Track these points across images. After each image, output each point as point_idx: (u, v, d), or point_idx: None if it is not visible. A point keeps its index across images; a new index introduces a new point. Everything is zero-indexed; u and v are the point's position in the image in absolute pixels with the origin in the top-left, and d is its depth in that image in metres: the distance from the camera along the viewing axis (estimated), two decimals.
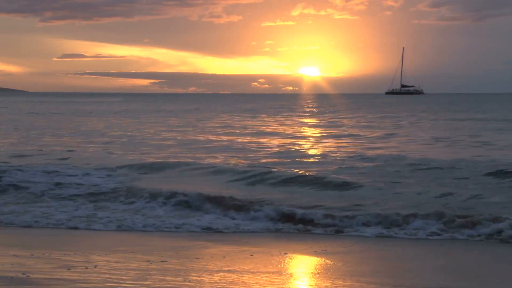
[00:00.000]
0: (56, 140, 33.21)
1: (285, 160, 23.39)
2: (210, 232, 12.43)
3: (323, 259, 9.67)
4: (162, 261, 9.29)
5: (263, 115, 67.45)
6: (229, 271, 8.68)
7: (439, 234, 11.67)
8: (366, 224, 12.50)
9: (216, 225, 12.90)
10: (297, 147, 29.11)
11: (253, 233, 12.21)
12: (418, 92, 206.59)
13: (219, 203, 14.60)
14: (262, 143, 31.47)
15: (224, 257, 9.82)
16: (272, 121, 54.52)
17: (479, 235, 11.51)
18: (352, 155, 24.97)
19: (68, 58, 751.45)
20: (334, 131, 40.17)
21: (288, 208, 13.80)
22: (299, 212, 13.42)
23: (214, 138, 34.37)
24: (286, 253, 10.21)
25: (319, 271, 8.90)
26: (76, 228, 12.69)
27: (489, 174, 18.35)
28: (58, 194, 16.53)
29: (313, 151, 27.58)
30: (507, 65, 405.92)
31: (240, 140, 32.91)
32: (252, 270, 8.78)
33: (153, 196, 15.57)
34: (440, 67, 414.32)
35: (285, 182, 18.05)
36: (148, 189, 16.31)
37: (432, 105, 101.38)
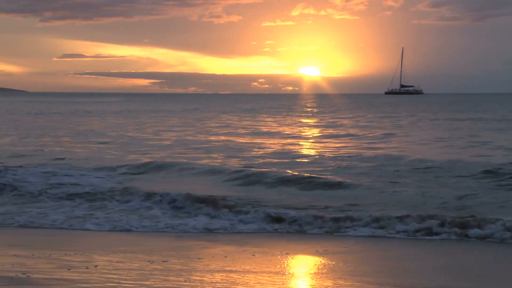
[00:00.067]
0: (54, 140, 33.20)
1: (284, 161, 23.33)
2: (209, 232, 12.39)
3: (324, 259, 9.67)
4: (163, 261, 9.28)
5: (263, 115, 67.44)
6: (230, 271, 8.67)
7: (429, 235, 11.61)
8: (357, 226, 12.35)
9: (213, 225, 12.86)
10: (295, 147, 29.09)
11: (254, 233, 12.19)
12: (418, 92, 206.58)
13: (215, 204, 14.49)
14: (260, 143, 31.44)
15: (226, 257, 9.82)
16: (271, 121, 54.51)
17: (467, 236, 11.43)
18: (350, 155, 24.92)
19: (68, 58, 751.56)
20: (333, 131, 40.15)
21: (275, 210, 13.63)
22: (290, 214, 13.29)
23: (212, 138, 34.33)
24: (287, 253, 10.21)
25: (320, 271, 8.90)
26: (71, 228, 12.61)
27: (487, 174, 18.26)
28: (55, 194, 16.43)
29: (311, 151, 27.58)
30: (507, 65, 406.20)
31: (238, 140, 32.88)
32: (253, 270, 8.78)
33: (149, 196, 15.49)
34: (440, 67, 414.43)
35: (281, 183, 17.98)
36: (144, 190, 16.25)
37: (432, 105, 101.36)
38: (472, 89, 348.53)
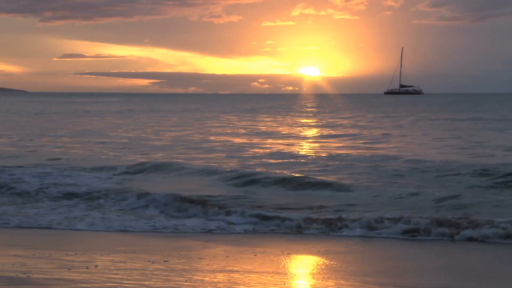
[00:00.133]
0: (52, 140, 33.17)
1: (281, 161, 23.31)
2: (208, 232, 12.36)
3: (326, 259, 9.67)
4: (164, 261, 9.26)
5: (263, 115, 67.46)
6: (232, 271, 8.67)
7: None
8: (347, 226, 12.28)
9: (209, 226, 12.81)
10: (294, 148, 29.06)
11: (254, 234, 12.18)
12: (417, 92, 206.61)
13: (205, 204, 14.38)
14: (259, 143, 31.40)
15: (227, 257, 9.81)
16: (271, 121, 54.52)
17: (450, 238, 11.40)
18: (348, 155, 24.87)
19: (68, 58, 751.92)
20: (332, 131, 40.16)
21: (266, 212, 13.54)
22: (282, 215, 13.20)
23: (211, 138, 34.29)
24: (288, 253, 10.20)
25: (321, 271, 8.90)
26: (68, 228, 12.53)
27: (484, 175, 18.22)
28: (52, 194, 16.36)
29: (309, 152, 27.54)
30: (507, 65, 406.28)
31: (237, 141, 32.84)
32: (255, 270, 8.77)
33: (144, 197, 15.37)
34: (440, 67, 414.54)
35: (277, 183, 17.90)
36: (141, 190, 16.18)
37: (431, 105, 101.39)
38: (472, 89, 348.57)
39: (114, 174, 20.18)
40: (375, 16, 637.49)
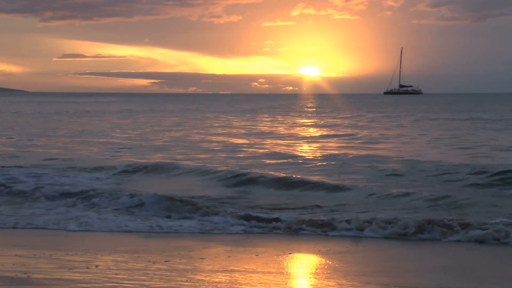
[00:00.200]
0: (50, 140, 33.17)
1: (278, 161, 23.23)
2: (208, 233, 12.33)
3: (327, 259, 9.67)
4: (165, 261, 9.26)
5: (262, 115, 67.49)
6: (234, 271, 8.66)
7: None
8: (336, 228, 12.17)
9: (206, 226, 12.76)
10: (292, 148, 28.96)
11: (256, 234, 12.17)
12: (417, 92, 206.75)
13: (195, 205, 14.24)
14: (258, 143, 31.34)
15: (229, 257, 9.80)
16: (270, 121, 54.52)
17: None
18: (346, 155, 24.78)
19: (68, 58, 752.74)
20: (331, 132, 40.10)
21: (256, 212, 13.48)
22: (273, 215, 13.11)
23: (210, 139, 34.22)
24: (290, 253, 10.20)
25: (323, 271, 8.90)
26: (63, 229, 12.42)
27: (481, 175, 18.15)
28: (48, 195, 16.23)
29: (307, 152, 27.41)
30: (507, 65, 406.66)
31: (235, 141, 32.76)
32: (257, 270, 8.76)
33: (139, 197, 15.22)
34: (440, 67, 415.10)
35: (272, 184, 17.81)
36: (136, 191, 16.07)
37: (431, 105, 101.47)
38: (472, 89, 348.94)
39: (112, 174, 20.14)
40: (375, 16, 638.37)
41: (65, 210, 14.44)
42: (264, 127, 46.04)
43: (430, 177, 18.57)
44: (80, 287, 7.51)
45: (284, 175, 18.92)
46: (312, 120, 56.96)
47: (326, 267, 9.18)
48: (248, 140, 33.58)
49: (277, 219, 12.69)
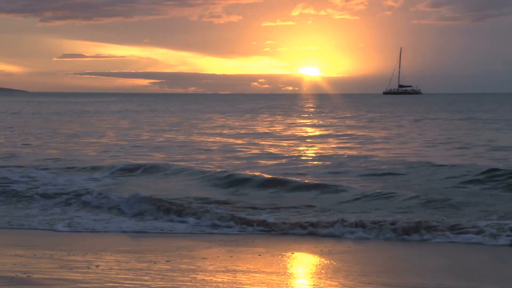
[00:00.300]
0: (47, 140, 33.16)
1: (275, 162, 23.18)
2: (208, 233, 12.32)
3: (329, 259, 9.65)
4: (167, 261, 9.24)
5: (262, 116, 67.54)
6: (237, 271, 8.64)
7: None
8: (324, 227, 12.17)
9: (199, 227, 12.74)
10: (290, 148, 28.90)
11: (257, 234, 12.17)
12: (416, 92, 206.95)
13: (181, 207, 14.10)
14: (256, 144, 31.31)
15: (231, 256, 9.78)
16: (269, 122, 54.53)
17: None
18: (343, 156, 24.75)
19: (68, 58, 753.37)
20: (329, 132, 40.11)
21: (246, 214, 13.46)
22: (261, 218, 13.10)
23: (208, 139, 34.14)
24: (292, 253, 10.21)
25: (325, 271, 8.89)
26: (56, 230, 12.38)
27: (477, 176, 18.07)
28: (42, 195, 16.14)
29: (303, 152, 27.31)
30: (507, 65, 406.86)
31: (232, 142, 32.69)
32: (259, 270, 8.74)
33: (131, 198, 15.04)
34: (440, 67, 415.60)
35: (266, 185, 17.73)
36: (130, 191, 15.98)
37: (430, 105, 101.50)
38: (472, 89, 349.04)
39: (111, 173, 20.23)
40: (375, 16, 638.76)
41: (61, 211, 14.45)
42: (263, 127, 46.02)
43: (427, 177, 18.56)
44: (81, 287, 7.50)
45: (281, 176, 18.78)
46: (311, 121, 56.96)
47: (328, 267, 9.17)
48: (245, 140, 33.54)
49: (263, 222, 12.63)
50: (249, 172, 19.65)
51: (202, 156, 25.43)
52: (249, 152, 26.98)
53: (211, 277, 8.18)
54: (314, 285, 8.18)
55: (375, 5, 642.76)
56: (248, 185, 17.98)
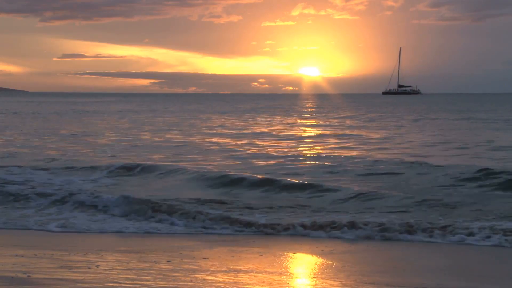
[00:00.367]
0: (44, 140, 33.15)
1: (271, 162, 23.14)
2: (208, 234, 12.32)
3: (330, 259, 9.65)
4: (168, 261, 9.22)
5: (261, 116, 67.51)
6: (239, 271, 8.63)
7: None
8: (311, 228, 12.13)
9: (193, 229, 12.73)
10: (289, 149, 28.86)
11: (258, 234, 12.18)
12: (415, 92, 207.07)
13: (172, 209, 14.02)
14: (254, 144, 31.30)
15: (233, 256, 9.77)
16: (268, 122, 54.52)
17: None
18: (336, 156, 24.68)
19: (68, 58, 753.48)
20: (328, 132, 40.08)
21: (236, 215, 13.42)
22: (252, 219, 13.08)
23: (205, 139, 34.13)
24: (294, 253, 10.22)
25: (327, 271, 8.87)
26: (50, 230, 12.38)
27: (475, 176, 18.05)
28: (39, 195, 16.05)
29: (301, 152, 27.21)
30: (507, 65, 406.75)
31: (230, 142, 32.64)
32: (261, 270, 8.73)
33: (125, 199, 14.97)
34: (440, 67, 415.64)
35: (257, 185, 17.71)
36: (122, 192, 15.93)
37: (431, 105, 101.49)
38: (472, 89, 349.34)
39: (108, 172, 20.28)
40: (375, 16, 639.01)
41: (56, 211, 14.44)
42: (262, 127, 46.02)
43: (424, 177, 18.53)
44: (81, 287, 7.49)
45: (278, 178, 18.63)
46: (311, 121, 56.97)
47: (329, 267, 9.17)
48: (244, 140, 33.53)
49: (255, 223, 12.60)
50: (245, 173, 19.54)
51: (201, 156, 25.41)
52: (247, 152, 26.94)
53: (213, 277, 8.17)
54: (316, 285, 8.18)
55: (375, 5, 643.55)
56: (243, 185, 17.92)
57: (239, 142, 32.17)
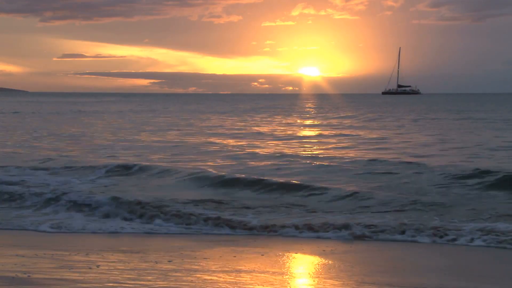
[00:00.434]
0: (42, 140, 33.14)
1: (269, 163, 23.09)
2: (210, 233, 12.34)
3: (331, 259, 9.64)
4: (168, 261, 9.21)
5: (261, 115, 67.48)
6: (239, 271, 8.61)
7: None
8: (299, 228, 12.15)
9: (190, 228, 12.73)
10: (287, 149, 28.77)
11: (258, 234, 12.15)
12: (415, 92, 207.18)
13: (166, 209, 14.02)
14: (252, 144, 31.26)
15: (234, 256, 9.76)
16: (268, 122, 54.50)
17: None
18: (332, 157, 24.60)
19: (68, 58, 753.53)
20: (327, 132, 40.05)
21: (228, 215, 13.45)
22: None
23: (204, 140, 34.05)
24: (295, 253, 10.21)
25: (328, 271, 8.86)
26: (53, 231, 12.35)
27: (472, 176, 18.01)
28: (35, 196, 15.97)
29: (300, 152, 27.14)
30: (507, 65, 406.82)
31: (229, 142, 32.57)
32: (263, 270, 8.72)
33: (118, 199, 14.96)
34: (440, 67, 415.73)
35: (251, 185, 17.66)
36: (118, 193, 15.94)
37: (430, 105, 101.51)
38: (472, 89, 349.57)
39: (106, 172, 20.31)
40: (375, 16, 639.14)
41: (52, 211, 14.45)
42: (261, 127, 46.00)
43: (422, 177, 18.51)
44: (81, 287, 7.49)
45: (276, 178, 18.55)
46: (310, 121, 56.95)
47: (330, 267, 9.16)
48: (243, 140, 33.49)
49: (247, 224, 12.59)
50: (242, 174, 19.44)
51: (199, 156, 25.37)
52: (246, 152, 26.90)
53: (214, 277, 8.16)
54: (318, 285, 8.17)
55: (375, 5, 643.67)
56: (240, 185, 17.87)
57: (238, 143, 32.15)
